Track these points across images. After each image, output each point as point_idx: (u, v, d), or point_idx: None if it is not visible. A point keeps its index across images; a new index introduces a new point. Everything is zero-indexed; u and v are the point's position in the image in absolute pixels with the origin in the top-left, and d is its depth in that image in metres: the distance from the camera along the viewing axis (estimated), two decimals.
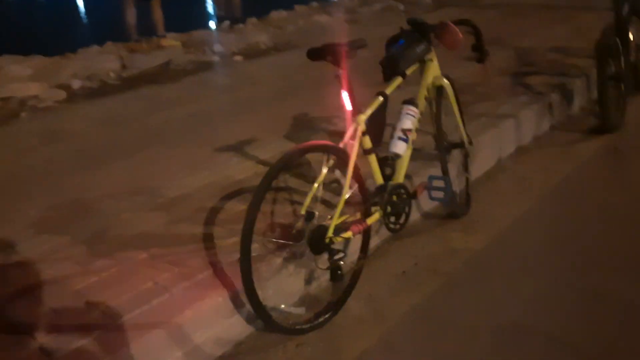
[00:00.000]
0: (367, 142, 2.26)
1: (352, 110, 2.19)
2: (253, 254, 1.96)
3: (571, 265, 2.42)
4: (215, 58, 5.94)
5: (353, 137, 2.18)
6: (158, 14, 6.11)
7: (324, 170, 2.11)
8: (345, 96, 2.17)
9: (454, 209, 2.83)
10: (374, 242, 2.62)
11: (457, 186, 2.98)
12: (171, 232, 2.50)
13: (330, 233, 2.06)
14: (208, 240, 2.40)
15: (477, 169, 3.24)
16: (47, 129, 4.00)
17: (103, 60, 5.57)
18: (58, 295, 2.06)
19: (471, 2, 8.05)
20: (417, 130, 2.48)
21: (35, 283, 2.13)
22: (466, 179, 2.98)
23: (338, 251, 2.09)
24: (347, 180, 2.12)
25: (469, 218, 2.87)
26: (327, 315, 2.15)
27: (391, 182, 2.38)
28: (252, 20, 7.55)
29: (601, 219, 2.76)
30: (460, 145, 2.83)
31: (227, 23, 6.92)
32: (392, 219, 2.41)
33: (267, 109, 4.19)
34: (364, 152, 2.28)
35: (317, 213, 2.08)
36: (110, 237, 2.47)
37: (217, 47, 6.20)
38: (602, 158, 3.42)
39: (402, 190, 2.42)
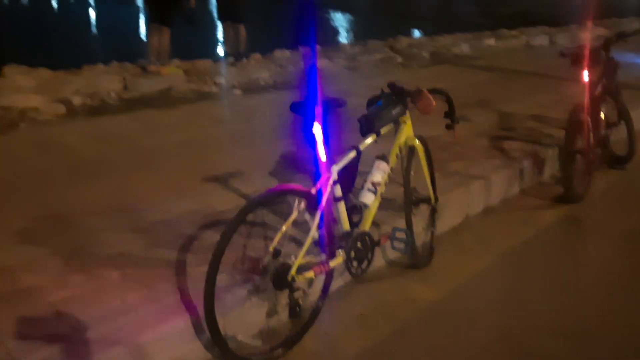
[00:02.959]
0: (338, 191, 2.44)
1: (327, 160, 2.39)
2: (220, 284, 2.11)
3: (516, 325, 2.58)
4: (215, 89, 6.17)
5: (325, 185, 2.37)
6: (166, 42, 6.36)
7: (295, 213, 2.29)
8: (320, 148, 2.37)
9: (415, 260, 3.00)
10: (338, 283, 2.78)
11: (423, 239, 3.17)
12: (147, 254, 2.65)
13: (293, 271, 2.22)
14: (180, 266, 2.55)
15: (444, 224, 3.43)
16: (42, 141, 4.18)
17: (106, 80, 5.79)
18: (30, 305, 2.19)
19: (465, 63, 8.40)
20: (391, 183, 2.69)
21: (9, 291, 2.26)
22: (431, 232, 3.17)
23: (298, 289, 2.24)
24: (314, 225, 2.30)
25: (430, 270, 3.04)
26: (281, 350, 2.30)
27: (357, 229, 2.56)
28: (256, 56, 7.84)
29: (550, 287, 2.93)
30: (427, 201, 3.03)
31: (231, 58, 7.20)
32: (355, 263, 2.57)
33: (257, 144, 4.39)
34: (334, 200, 2.46)
35: (283, 251, 2.25)
36: (87, 254, 2.62)
37: (219, 79, 6.45)
38: (562, 227, 3.63)
39: (367, 238, 2.60)
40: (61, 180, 3.48)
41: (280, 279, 2.20)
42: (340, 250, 2.50)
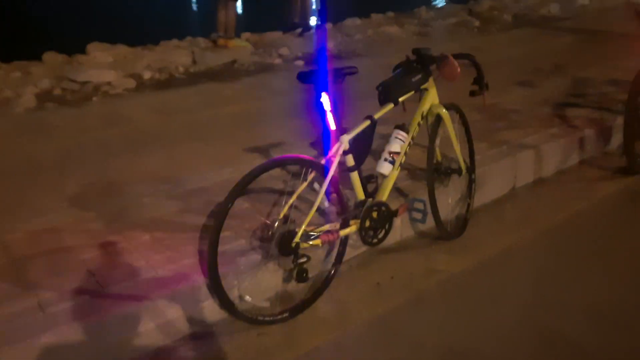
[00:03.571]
0: (350, 160, 2.44)
1: (337, 129, 2.39)
2: (237, 248, 2.24)
3: (543, 305, 2.45)
4: (278, 61, 6.27)
5: (335, 155, 2.37)
6: (232, 16, 6.51)
7: (303, 182, 2.33)
8: (330, 117, 2.37)
9: (441, 231, 2.92)
10: (359, 251, 2.80)
11: (458, 210, 3.08)
12: (178, 219, 2.82)
13: (297, 238, 2.27)
14: (205, 230, 2.69)
15: (486, 195, 3.30)
16: (109, 114, 4.52)
17: (176, 54, 6.08)
18: (66, 261, 2.43)
19: (551, 25, 7.82)
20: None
21: (50, 249, 2.52)
22: (467, 204, 3.07)
23: (303, 255, 2.29)
24: (321, 193, 2.32)
25: (460, 241, 2.95)
26: (289, 313, 2.37)
27: (371, 199, 2.54)
28: (327, 26, 7.81)
29: (591, 268, 2.72)
30: (457, 171, 2.91)
31: (299, 29, 7.23)
32: (371, 233, 2.56)
33: (307, 115, 4.43)
34: (347, 170, 2.46)
35: (290, 218, 2.30)
36: (125, 218, 2.83)
37: (283, 51, 6.53)
38: (618, 201, 3.34)
39: (383, 208, 2.57)
40: (118, 150, 3.76)
41: (285, 245, 2.26)
42: (354, 220, 2.50)
